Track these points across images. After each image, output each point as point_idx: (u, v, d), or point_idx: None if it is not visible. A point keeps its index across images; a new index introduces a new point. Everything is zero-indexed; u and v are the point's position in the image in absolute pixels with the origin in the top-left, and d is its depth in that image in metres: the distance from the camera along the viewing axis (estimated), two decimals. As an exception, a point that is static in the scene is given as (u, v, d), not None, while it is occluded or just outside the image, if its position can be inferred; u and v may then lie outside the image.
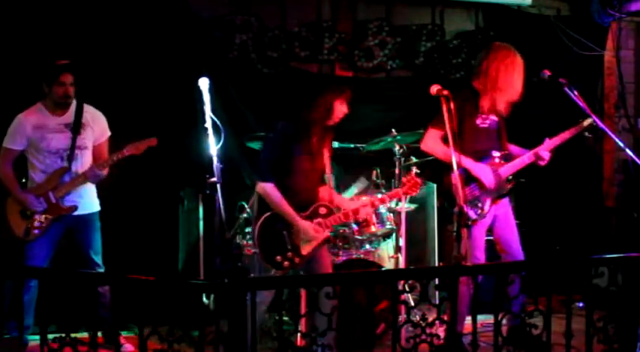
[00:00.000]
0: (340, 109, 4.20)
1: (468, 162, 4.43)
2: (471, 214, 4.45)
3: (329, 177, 4.35)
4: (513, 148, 4.73)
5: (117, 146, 4.71)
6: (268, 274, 4.13)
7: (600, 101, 6.88)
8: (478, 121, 4.53)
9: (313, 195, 4.27)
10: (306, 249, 4.13)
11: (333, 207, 4.25)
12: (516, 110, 4.62)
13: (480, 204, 4.48)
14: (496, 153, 4.55)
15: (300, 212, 4.14)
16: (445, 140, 4.42)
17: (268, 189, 4.09)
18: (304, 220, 4.13)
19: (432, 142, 4.52)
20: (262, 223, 4.11)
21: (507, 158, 4.59)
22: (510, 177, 4.57)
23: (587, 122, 4.49)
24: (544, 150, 4.53)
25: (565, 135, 4.54)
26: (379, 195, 4.91)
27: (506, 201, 4.66)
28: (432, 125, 4.50)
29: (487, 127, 4.55)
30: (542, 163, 4.56)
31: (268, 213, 4.12)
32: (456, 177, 4.41)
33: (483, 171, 4.47)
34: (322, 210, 4.21)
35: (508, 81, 4.46)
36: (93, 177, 4.66)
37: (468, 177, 4.45)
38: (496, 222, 4.64)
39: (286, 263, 4.09)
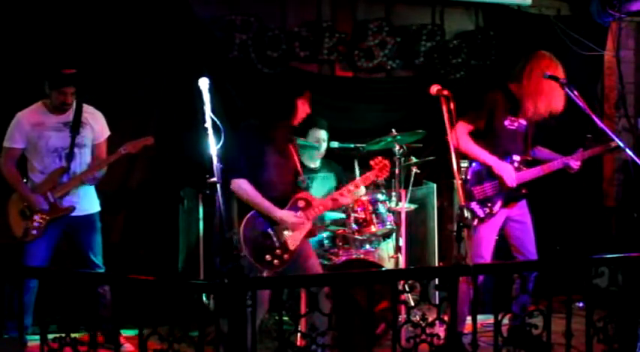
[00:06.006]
0: (303, 109, 4.21)
1: (492, 160, 4.45)
2: (479, 212, 4.46)
3: (303, 180, 4.33)
4: (543, 152, 4.74)
5: (117, 145, 4.71)
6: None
7: (600, 101, 6.88)
8: (507, 122, 4.53)
9: (288, 189, 4.24)
10: (293, 244, 4.12)
11: (311, 200, 4.23)
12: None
13: (489, 204, 4.48)
14: (517, 158, 4.55)
15: (278, 207, 4.12)
16: (472, 134, 4.48)
17: (243, 184, 4.07)
18: (281, 210, 4.11)
19: (465, 141, 4.47)
20: (245, 225, 4.08)
21: (527, 164, 4.59)
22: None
23: (612, 144, 4.48)
24: (575, 161, 4.56)
25: (596, 150, 4.58)
26: (375, 194, 4.96)
27: (523, 203, 4.65)
28: (462, 118, 4.45)
29: (514, 129, 4.55)
30: (571, 171, 4.61)
31: (249, 214, 4.09)
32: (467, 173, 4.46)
33: (506, 170, 4.48)
34: (301, 203, 4.20)
35: (550, 87, 4.42)
36: (90, 180, 4.66)
37: (486, 175, 4.47)
38: (510, 224, 4.63)
39: (276, 261, 4.07)
